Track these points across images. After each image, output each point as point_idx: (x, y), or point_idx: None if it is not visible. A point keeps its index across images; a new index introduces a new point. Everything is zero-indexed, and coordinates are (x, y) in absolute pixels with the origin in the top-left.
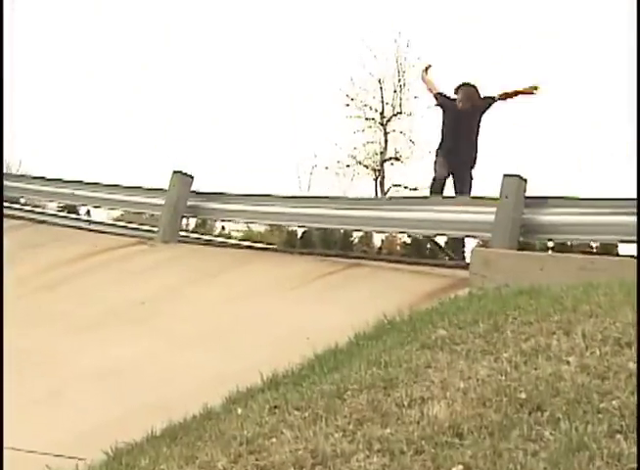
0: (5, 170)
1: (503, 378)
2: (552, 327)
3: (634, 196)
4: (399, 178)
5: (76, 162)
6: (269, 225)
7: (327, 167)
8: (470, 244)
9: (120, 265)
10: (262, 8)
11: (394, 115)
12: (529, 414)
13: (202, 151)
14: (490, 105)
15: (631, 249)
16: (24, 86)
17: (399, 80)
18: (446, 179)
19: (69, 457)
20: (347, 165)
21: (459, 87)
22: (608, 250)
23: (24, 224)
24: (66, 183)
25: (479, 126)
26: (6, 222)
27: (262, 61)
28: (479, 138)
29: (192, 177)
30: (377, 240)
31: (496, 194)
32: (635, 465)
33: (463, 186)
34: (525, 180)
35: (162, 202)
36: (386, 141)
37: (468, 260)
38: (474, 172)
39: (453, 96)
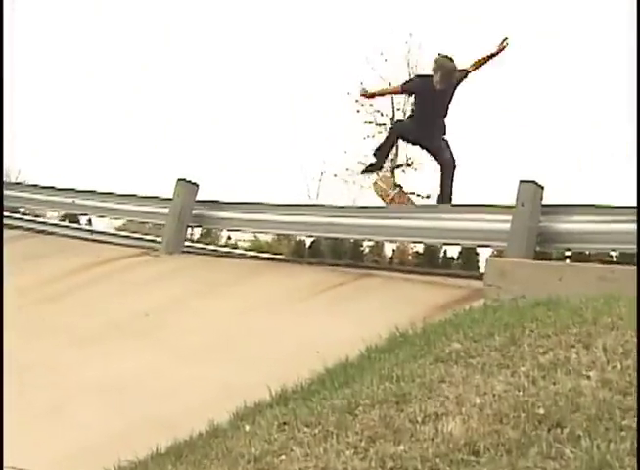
0: (4, 179)
1: (520, 393)
2: (571, 340)
3: None
4: (411, 185)
5: (76, 163)
6: (277, 235)
7: (335, 175)
8: (484, 253)
9: (124, 277)
10: (272, 9)
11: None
12: (548, 431)
13: (202, 152)
14: (465, 77)
15: None
16: (24, 86)
17: None
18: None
19: None
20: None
21: (439, 65)
22: (628, 259)
23: (25, 235)
24: (64, 191)
25: (451, 102)
26: (6, 233)
27: (269, 63)
28: (448, 112)
29: (197, 185)
30: (388, 250)
31: (496, 196)
32: None
33: (443, 152)
34: (542, 187)
35: (167, 211)
36: (397, 147)
37: (482, 271)
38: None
39: (430, 73)
